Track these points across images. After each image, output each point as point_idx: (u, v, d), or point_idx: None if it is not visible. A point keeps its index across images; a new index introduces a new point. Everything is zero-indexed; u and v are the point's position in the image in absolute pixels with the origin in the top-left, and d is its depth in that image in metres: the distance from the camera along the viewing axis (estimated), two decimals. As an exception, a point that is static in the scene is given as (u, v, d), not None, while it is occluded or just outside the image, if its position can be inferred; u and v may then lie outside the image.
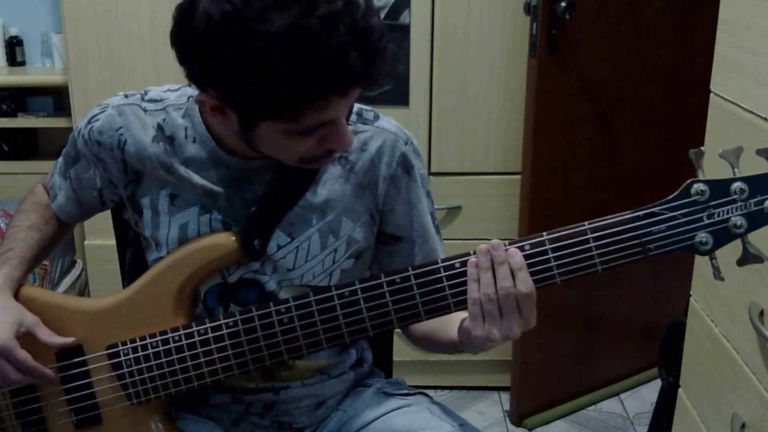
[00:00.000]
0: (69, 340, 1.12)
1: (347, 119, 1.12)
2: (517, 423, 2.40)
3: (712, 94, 1.46)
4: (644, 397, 2.53)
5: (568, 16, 1.99)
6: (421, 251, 1.19)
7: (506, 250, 0.98)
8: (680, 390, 1.66)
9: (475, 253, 0.99)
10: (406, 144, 1.15)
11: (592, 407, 2.50)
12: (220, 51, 0.89)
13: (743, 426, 1.31)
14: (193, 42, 0.93)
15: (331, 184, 1.12)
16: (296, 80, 0.88)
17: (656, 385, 2.10)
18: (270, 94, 0.90)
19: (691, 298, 1.59)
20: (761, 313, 1.24)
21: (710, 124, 1.48)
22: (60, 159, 1.24)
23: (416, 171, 1.17)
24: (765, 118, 1.23)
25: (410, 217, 1.18)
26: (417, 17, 2.20)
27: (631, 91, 2.31)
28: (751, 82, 1.29)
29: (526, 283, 0.97)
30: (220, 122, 1.01)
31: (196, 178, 1.10)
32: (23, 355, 1.08)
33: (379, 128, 1.14)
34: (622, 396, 2.55)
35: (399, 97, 2.26)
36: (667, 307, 2.37)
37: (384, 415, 1.22)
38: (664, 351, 1.86)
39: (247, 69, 0.88)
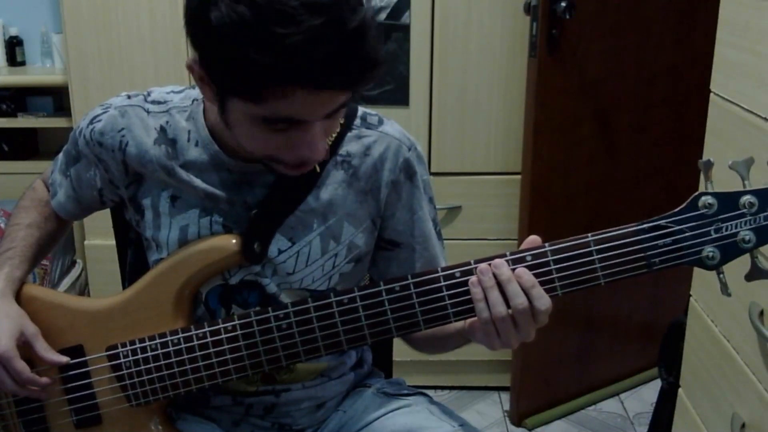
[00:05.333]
0: (63, 359, 1.12)
1: (349, 125, 1.12)
2: (517, 423, 2.40)
3: (712, 94, 1.46)
4: (644, 397, 2.53)
5: (568, 16, 1.99)
6: (421, 258, 1.18)
7: (513, 269, 0.96)
8: (680, 390, 1.66)
9: (476, 262, 0.98)
10: (409, 150, 1.14)
11: (592, 407, 2.50)
12: (204, 12, 0.87)
13: (743, 426, 1.31)
14: (188, 4, 0.91)
15: (333, 189, 1.11)
16: (260, 58, 0.84)
17: (656, 385, 2.10)
18: (234, 66, 0.87)
19: (691, 298, 1.59)
20: (761, 313, 1.24)
21: (710, 124, 1.48)
22: (60, 156, 1.24)
23: (419, 177, 1.16)
24: (765, 118, 1.23)
25: (410, 224, 1.17)
26: (417, 17, 2.20)
27: (631, 91, 2.31)
28: (751, 82, 1.29)
29: (542, 300, 0.95)
30: (208, 98, 0.99)
31: (197, 182, 1.10)
32: (21, 366, 1.08)
33: (383, 133, 1.13)
34: (622, 396, 2.55)
35: (399, 97, 2.26)
36: (667, 307, 2.37)
37: (384, 415, 1.22)
38: (664, 351, 1.86)
39: (219, 35, 0.85)
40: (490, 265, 0.97)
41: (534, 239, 0.98)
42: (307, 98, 0.88)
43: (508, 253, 0.98)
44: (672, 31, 2.31)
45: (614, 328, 2.55)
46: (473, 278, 0.97)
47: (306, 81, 0.86)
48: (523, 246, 0.99)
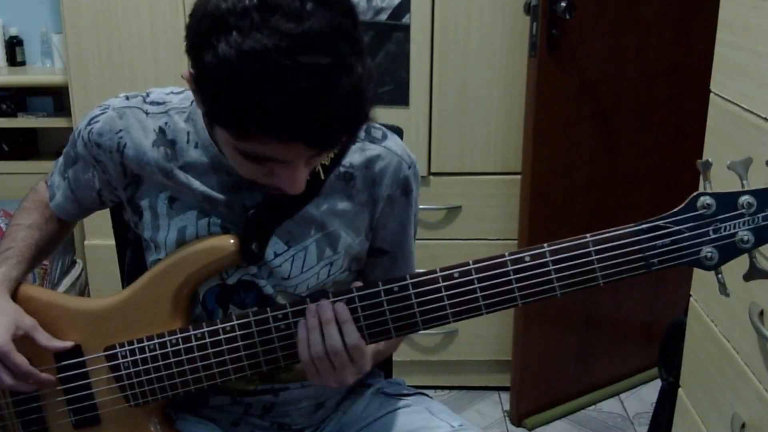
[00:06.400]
0: (67, 344, 1.12)
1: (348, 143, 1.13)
2: (517, 423, 2.40)
3: (712, 94, 1.46)
4: (644, 397, 2.53)
5: (568, 16, 1.99)
6: (399, 269, 1.21)
7: (333, 304, 1.00)
8: (680, 390, 1.66)
9: (474, 263, 1.00)
10: (409, 168, 1.15)
11: (592, 407, 2.50)
12: (199, 40, 0.88)
13: (743, 426, 1.31)
14: (189, 21, 0.92)
15: (332, 199, 1.12)
16: (243, 104, 0.85)
17: (656, 385, 2.10)
18: (220, 102, 0.88)
19: (691, 298, 1.59)
20: (761, 313, 1.24)
21: (710, 124, 1.48)
22: (61, 158, 1.24)
23: (413, 195, 1.17)
24: (765, 118, 1.23)
25: (400, 237, 1.19)
26: (417, 18, 2.20)
27: (631, 91, 2.31)
28: (751, 82, 1.29)
29: (350, 336, 1.00)
30: (199, 106, 1.00)
31: (196, 184, 1.10)
32: (19, 359, 1.08)
33: (386, 149, 1.14)
34: (622, 396, 2.55)
35: (399, 97, 2.26)
36: (667, 307, 2.37)
37: (384, 415, 1.22)
38: (664, 351, 1.86)
39: (211, 69, 0.87)
40: (317, 306, 1.01)
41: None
42: (285, 148, 0.90)
43: (506, 254, 0.99)
44: (672, 31, 2.31)
45: (614, 328, 2.55)
46: (301, 320, 1.02)
47: (282, 136, 0.88)
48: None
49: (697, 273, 1.57)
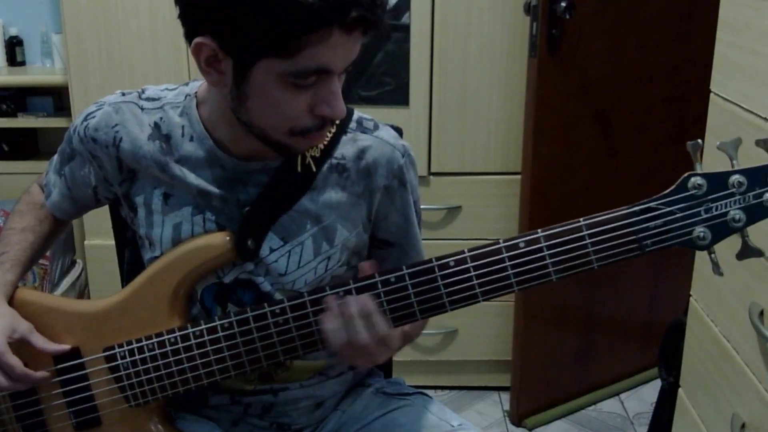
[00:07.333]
0: (64, 347, 1.12)
1: (345, 128, 1.13)
2: (517, 423, 2.40)
3: (712, 94, 1.46)
4: (644, 397, 2.53)
5: (568, 16, 1.99)
6: (410, 258, 1.20)
7: (356, 298, 1.00)
8: (680, 390, 1.66)
9: (470, 251, 1.00)
10: (403, 156, 1.15)
11: (592, 407, 2.50)
12: None
13: (743, 426, 1.31)
14: None
15: (327, 192, 1.12)
16: (297, 7, 0.88)
17: (656, 385, 2.10)
18: (270, 20, 0.90)
19: (691, 298, 1.59)
20: (761, 313, 1.24)
21: (710, 124, 1.48)
22: (56, 156, 1.24)
23: (409, 182, 1.17)
24: (765, 118, 1.23)
25: (404, 227, 1.19)
26: (417, 17, 2.20)
27: (631, 91, 2.31)
28: (751, 82, 1.29)
29: (380, 326, 0.99)
30: (214, 82, 1.00)
31: (191, 177, 1.10)
32: (14, 361, 1.08)
33: (377, 138, 1.14)
34: (622, 396, 2.55)
35: (399, 97, 2.26)
36: (667, 307, 2.37)
37: (383, 415, 1.22)
38: (664, 351, 1.86)
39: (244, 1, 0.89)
40: (340, 303, 1.01)
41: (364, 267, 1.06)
42: (339, 42, 0.93)
43: (501, 241, 0.99)
44: (672, 31, 2.31)
45: (614, 328, 2.55)
46: (323, 315, 1.02)
47: (343, 17, 0.90)
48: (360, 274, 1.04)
49: (697, 273, 1.57)
